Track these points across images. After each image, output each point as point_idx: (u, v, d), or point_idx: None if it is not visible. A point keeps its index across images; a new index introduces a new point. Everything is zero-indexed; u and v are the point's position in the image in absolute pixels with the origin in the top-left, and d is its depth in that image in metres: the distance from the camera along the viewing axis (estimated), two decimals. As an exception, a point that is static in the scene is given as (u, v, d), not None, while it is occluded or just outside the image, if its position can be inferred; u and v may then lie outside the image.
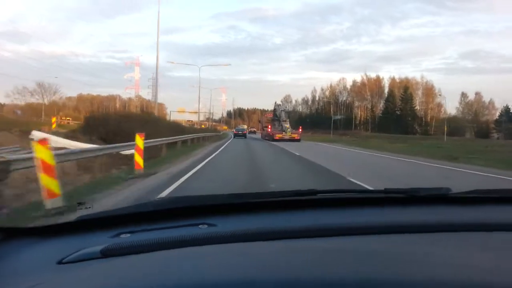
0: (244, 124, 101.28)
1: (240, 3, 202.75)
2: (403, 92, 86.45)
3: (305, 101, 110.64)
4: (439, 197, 1.50)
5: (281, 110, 42.41)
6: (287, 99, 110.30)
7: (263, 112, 66.13)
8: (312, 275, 0.78)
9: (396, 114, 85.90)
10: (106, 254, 0.94)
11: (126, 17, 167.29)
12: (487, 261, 0.89)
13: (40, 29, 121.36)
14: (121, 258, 0.93)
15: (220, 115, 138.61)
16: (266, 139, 39.82)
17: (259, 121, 60.39)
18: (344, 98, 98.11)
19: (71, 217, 1.25)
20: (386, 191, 1.53)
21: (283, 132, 36.57)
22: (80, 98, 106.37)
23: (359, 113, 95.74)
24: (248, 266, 0.85)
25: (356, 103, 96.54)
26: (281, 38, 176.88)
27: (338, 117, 79.84)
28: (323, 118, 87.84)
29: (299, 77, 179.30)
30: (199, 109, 45.16)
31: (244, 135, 46.25)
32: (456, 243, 1.06)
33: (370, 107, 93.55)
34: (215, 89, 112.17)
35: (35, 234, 1.14)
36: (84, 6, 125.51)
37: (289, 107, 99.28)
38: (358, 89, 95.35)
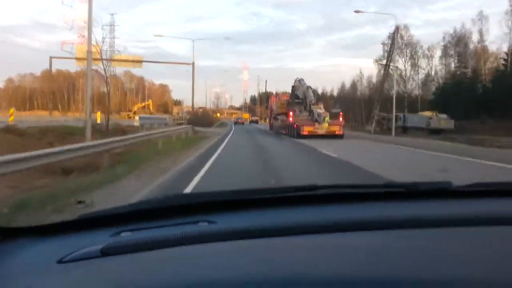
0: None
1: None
2: None
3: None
4: (440, 191, 1.49)
5: (307, 87, 25.62)
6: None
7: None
8: (314, 272, 0.78)
9: None
10: (106, 253, 0.94)
11: (147, 7, 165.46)
12: (491, 256, 0.88)
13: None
14: (121, 257, 0.93)
15: (242, 101, 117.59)
16: (283, 134, 26.07)
17: (267, 108, 43.50)
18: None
19: (71, 215, 1.26)
20: (385, 185, 1.52)
21: (316, 123, 22.08)
22: (44, 76, 78.17)
23: None
24: (249, 264, 0.85)
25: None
26: (305, 23, 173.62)
27: (337, 109, 44.89)
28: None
29: (324, 63, 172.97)
30: (193, 95, 36.95)
31: (242, 123, 59.12)
32: (459, 238, 1.05)
33: None
34: (235, 68, 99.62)
35: (35, 233, 1.14)
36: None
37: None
38: None
